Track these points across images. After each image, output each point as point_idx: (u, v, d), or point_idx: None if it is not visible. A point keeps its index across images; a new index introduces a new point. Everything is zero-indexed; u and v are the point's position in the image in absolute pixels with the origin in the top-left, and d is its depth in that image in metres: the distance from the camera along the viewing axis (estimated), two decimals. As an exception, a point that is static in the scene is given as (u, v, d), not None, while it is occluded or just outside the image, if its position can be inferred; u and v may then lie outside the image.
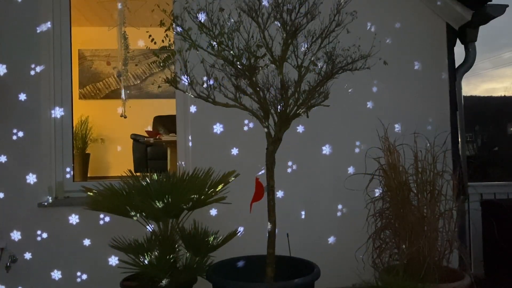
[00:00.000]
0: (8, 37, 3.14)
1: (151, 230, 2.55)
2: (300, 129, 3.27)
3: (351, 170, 3.26)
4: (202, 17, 2.24)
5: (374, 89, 3.39)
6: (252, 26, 2.26)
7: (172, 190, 2.47)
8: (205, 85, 2.31)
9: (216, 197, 2.56)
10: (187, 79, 2.30)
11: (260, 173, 2.64)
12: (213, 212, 3.11)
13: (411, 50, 3.46)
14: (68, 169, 3.30)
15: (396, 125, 3.32)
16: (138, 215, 2.50)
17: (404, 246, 2.58)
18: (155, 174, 2.62)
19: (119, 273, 2.47)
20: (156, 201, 2.43)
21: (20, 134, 3.10)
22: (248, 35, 2.26)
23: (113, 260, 3.02)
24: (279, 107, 2.33)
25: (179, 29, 2.27)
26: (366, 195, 2.78)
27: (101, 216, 3.07)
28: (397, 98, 3.42)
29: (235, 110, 2.39)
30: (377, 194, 2.79)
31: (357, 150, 3.31)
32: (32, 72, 3.14)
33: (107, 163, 7.41)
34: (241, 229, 2.73)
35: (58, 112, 3.28)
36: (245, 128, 3.19)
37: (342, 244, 3.26)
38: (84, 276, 3.10)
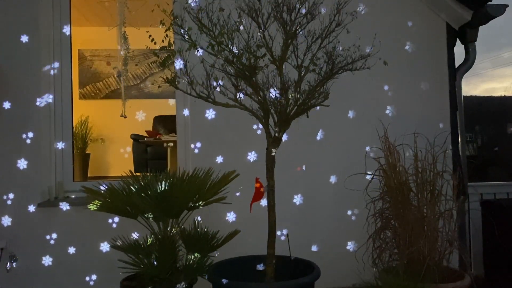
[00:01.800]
0: (8, 37, 3.14)
1: (151, 230, 2.55)
2: (300, 129, 3.27)
3: (351, 170, 3.26)
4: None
5: (374, 89, 3.39)
6: (252, 26, 2.26)
7: (172, 190, 2.47)
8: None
9: (216, 197, 2.57)
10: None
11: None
12: (213, 212, 3.11)
13: (411, 50, 3.45)
14: (68, 169, 3.30)
15: (396, 126, 3.32)
16: (138, 215, 2.51)
17: (404, 246, 2.58)
18: (155, 174, 2.62)
19: (119, 273, 2.47)
20: (156, 201, 2.43)
21: (20, 134, 3.10)
22: (248, 35, 2.26)
23: (113, 260, 3.01)
24: (279, 107, 2.33)
25: (181, 30, 2.27)
26: (366, 195, 2.78)
27: (101, 216, 3.07)
28: (397, 98, 3.42)
29: (236, 110, 2.39)
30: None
31: (357, 150, 3.31)
32: (32, 72, 3.14)
33: (107, 163, 7.40)
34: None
35: (58, 112, 3.28)
36: (246, 128, 3.19)
37: (342, 244, 3.25)
38: (84, 276, 3.10)
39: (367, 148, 3.11)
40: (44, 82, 3.21)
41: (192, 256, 2.54)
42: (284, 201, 3.21)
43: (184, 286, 2.36)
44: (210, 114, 3.15)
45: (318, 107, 2.42)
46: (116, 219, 3.04)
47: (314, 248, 3.11)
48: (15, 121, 3.11)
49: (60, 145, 3.27)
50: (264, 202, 2.41)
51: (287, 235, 2.73)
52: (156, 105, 7.29)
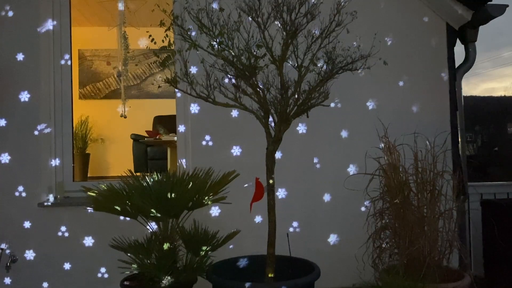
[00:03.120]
0: (8, 37, 3.14)
1: (151, 230, 2.55)
2: (300, 129, 3.27)
3: (351, 170, 3.26)
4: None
5: (374, 89, 3.39)
6: (252, 26, 2.26)
7: (172, 190, 2.47)
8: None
9: (216, 197, 2.56)
10: (186, 77, 2.30)
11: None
12: (213, 212, 3.12)
13: (411, 50, 3.46)
14: (68, 169, 3.30)
15: (396, 126, 3.31)
16: (138, 215, 2.51)
17: (404, 246, 2.58)
18: (155, 174, 2.62)
19: (119, 273, 2.47)
20: (156, 201, 2.43)
21: (20, 134, 3.10)
22: (248, 35, 2.26)
23: (113, 260, 3.01)
24: (279, 107, 2.33)
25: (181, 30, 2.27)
26: (366, 195, 2.78)
27: (101, 216, 3.07)
28: (397, 98, 3.42)
29: (236, 110, 2.39)
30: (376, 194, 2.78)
31: (357, 150, 3.31)
32: (32, 72, 3.14)
33: (107, 163, 7.40)
34: (241, 229, 2.71)
35: (58, 112, 3.28)
36: (245, 128, 3.19)
37: (342, 244, 3.26)
38: (84, 276, 3.10)
39: (367, 148, 3.11)
40: (43, 82, 3.21)
41: (192, 256, 2.54)
42: (284, 201, 3.22)
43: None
44: (210, 114, 3.16)
45: (318, 107, 2.42)
46: (117, 219, 3.04)
47: (314, 248, 3.12)
48: (15, 121, 3.11)
49: (60, 145, 3.28)
50: (263, 202, 2.41)
51: (287, 235, 2.73)
52: (156, 105, 7.31)
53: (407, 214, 2.60)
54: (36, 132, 3.13)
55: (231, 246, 2.69)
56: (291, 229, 3.22)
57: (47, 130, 3.23)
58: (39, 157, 3.15)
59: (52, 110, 3.27)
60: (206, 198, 2.53)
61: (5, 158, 3.09)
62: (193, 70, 2.66)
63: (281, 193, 3.24)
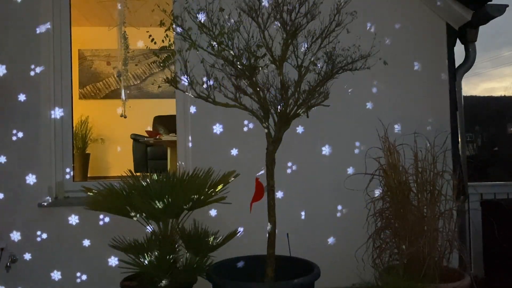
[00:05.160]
0: (7, 38, 3.14)
1: (151, 230, 2.55)
2: (300, 129, 3.27)
3: (351, 170, 3.26)
4: (202, 16, 2.24)
5: (374, 89, 3.39)
6: (252, 26, 2.26)
7: (172, 190, 2.47)
8: (205, 85, 2.31)
9: (216, 197, 2.56)
10: (187, 78, 2.30)
11: (260, 173, 2.64)
12: (213, 212, 3.11)
13: (411, 50, 3.46)
14: (68, 169, 3.30)
15: (396, 126, 3.32)
16: (138, 215, 2.51)
17: (404, 246, 2.58)
18: (155, 174, 2.62)
19: (119, 273, 2.47)
20: (156, 201, 2.43)
21: (20, 134, 3.10)
22: (248, 35, 2.27)
23: (113, 260, 3.02)
24: (279, 107, 2.33)
25: (179, 29, 2.27)
26: (366, 195, 2.78)
27: (101, 216, 3.07)
28: (397, 98, 3.42)
29: (235, 110, 2.39)
30: (377, 194, 2.79)
31: (357, 150, 3.31)
32: (32, 73, 3.14)
33: (107, 163, 7.41)
34: (241, 229, 2.72)
35: (58, 112, 3.28)
36: (245, 128, 3.19)
37: (342, 244, 3.26)
38: (84, 277, 3.10)
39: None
40: (44, 82, 3.21)
41: (192, 256, 2.54)
42: (284, 201, 3.22)
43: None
44: (210, 114, 3.16)
45: (318, 107, 2.42)
46: (116, 219, 3.04)
47: (314, 248, 3.12)
48: (16, 121, 3.11)
49: (60, 145, 3.27)
50: (264, 201, 2.41)
51: (287, 235, 2.73)
52: (156, 105, 7.31)
53: (407, 214, 2.60)
54: (36, 133, 3.13)
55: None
56: (290, 230, 3.22)
57: (47, 130, 3.23)
58: (39, 157, 3.15)
59: (52, 110, 3.27)
60: (200, 202, 2.53)
61: (5, 158, 3.09)
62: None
63: (280, 193, 3.24)
